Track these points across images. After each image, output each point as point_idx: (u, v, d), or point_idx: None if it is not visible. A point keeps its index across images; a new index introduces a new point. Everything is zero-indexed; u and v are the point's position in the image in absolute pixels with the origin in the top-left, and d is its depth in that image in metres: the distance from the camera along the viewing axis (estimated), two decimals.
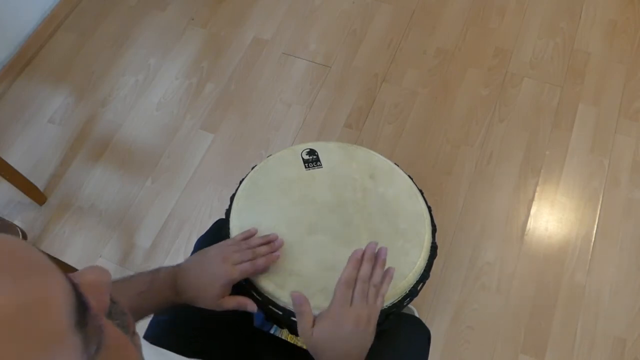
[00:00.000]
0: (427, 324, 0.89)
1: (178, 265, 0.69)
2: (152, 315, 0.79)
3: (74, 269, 1.20)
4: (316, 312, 0.67)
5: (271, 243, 0.73)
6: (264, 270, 0.71)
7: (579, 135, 1.54)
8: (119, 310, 0.34)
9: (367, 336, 0.64)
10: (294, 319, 0.70)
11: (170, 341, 0.60)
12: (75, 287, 0.29)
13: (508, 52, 1.69)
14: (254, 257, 0.70)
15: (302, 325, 0.65)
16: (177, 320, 0.79)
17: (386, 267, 0.69)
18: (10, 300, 0.25)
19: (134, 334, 0.37)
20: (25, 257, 0.27)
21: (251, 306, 0.68)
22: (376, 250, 0.69)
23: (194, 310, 0.69)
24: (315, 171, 0.83)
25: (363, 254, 0.68)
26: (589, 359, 1.27)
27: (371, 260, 0.67)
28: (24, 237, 1.00)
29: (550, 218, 1.43)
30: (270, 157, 0.85)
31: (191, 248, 0.92)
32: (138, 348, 0.36)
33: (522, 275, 1.36)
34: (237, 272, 0.67)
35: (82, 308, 0.29)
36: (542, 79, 1.64)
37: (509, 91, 1.62)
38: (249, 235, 0.74)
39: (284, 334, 0.87)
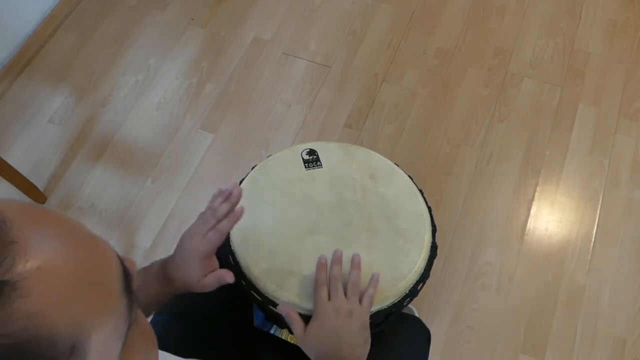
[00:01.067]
0: (427, 324, 0.89)
1: (169, 256, 0.69)
2: (151, 316, 0.79)
3: None
4: None
5: (229, 198, 0.68)
6: (229, 228, 0.66)
7: (579, 135, 1.54)
8: (138, 300, 0.36)
9: (355, 333, 0.66)
10: None
11: (169, 342, 0.60)
12: (120, 258, 0.34)
13: (508, 52, 1.69)
14: (217, 221, 0.67)
15: (296, 333, 0.67)
16: (176, 321, 0.79)
17: (376, 270, 0.72)
18: (81, 258, 0.29)
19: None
20: (86, 230, 0.32)
21: (229, 276, 0.66)
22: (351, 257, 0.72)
23: (194, 310, 0.69)
24: (315, 171, 0.83)
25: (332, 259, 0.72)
26: (589, 359, 1.27)
27: (338, 263, 0.71)
28: None
29: (550, 218, 1.43)
30: (270, 157, 0.85)
31: None
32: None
33: (522, 275, 1.36)
34: (205, 243, 0.65)
35: (126, 276, 0.33)
36: (542, 79, 1.64)
37: (509, 91, 1.62)
38: (213, 200, 0.71)
39: (284, 334, 0.87)
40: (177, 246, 0.69)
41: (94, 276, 0.30)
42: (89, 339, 0.28)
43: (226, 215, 0.66)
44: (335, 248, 0.75)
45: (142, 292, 0.65)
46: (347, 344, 0.65)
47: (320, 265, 0.71)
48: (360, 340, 0.66)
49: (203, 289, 0.66)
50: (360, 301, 0.69)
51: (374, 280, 0.71)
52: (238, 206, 0.67)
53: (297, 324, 0.68)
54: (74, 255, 0.29)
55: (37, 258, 0.27)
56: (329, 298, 0.68)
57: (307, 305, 0.70)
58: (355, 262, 0.72)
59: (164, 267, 0.68)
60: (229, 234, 0.77)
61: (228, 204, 0.67)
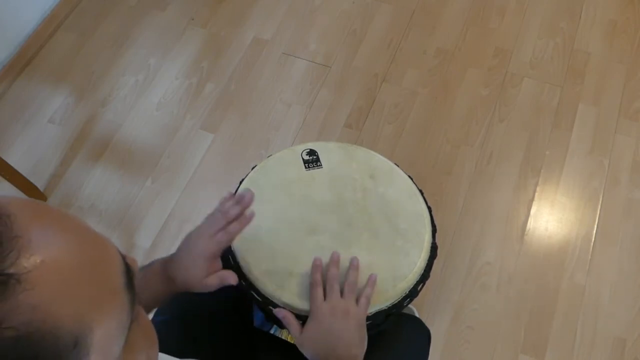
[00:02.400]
0: (427, 324, 0.89)
1: (171, 255, 0.70)
2: (151, 315, 0.79)
3: None
4: None
5: (241, 201, 0.69)
6: (239, 231, 0.68)
7: (579, 135, 1.54)
8: (139, 299, 0.37)
9: (352, 332, 0.66)
10: None
11: (169, 342, 0.60)
12: (122, 255, 0.34)
13: (508, 52, 1.69)
14: (226, 222, 0.68)
15: (293, 334, 0.68)
16: (176, 321, 0.79)
17: (376, 271, 0.72)
18: (84, 253, 0.30)
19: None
20: (88, 226, 0.33)
21: (232, 277, 0.67)
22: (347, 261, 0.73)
23: (194, 310, 0.69)
24: (315, 171, 0.83)
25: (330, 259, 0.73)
26: (589, 359, 1.27)
27: (335, 265, 0.71)
28: None
29: (550, 218, 1.43)
30: (270, 157, 0.85)
31: None
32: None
33: (522, 276, 1.36)
34: (213, 244, 0.66)
35: (128, 273, 0.33)
36: (542, 79, 1.64)
37: (509, 91, 1.62)
38: (223, 202, 0.72)
39: (284, 334, 0.87)
40: (181, 245, 0.69)
41: (96, 271, 0.30)
42: (92, 333, 0.28)
43: (236, 219, 0.68)
44: (335, 248, 0.75)
45: (143, 290, 0.65)
46: (343, 344, 0.65)
47: (316, 266, 0.71)
48: (356, 339, 0.66)
49: (204, 289, 0.66)
50: (357, 301, 0.69)
51: (371, 280, 0.71)
52: (249, 210, 0.69)
53: (293, 326, 0.68)
54: (76, 250, 0.30)
55: (40, 252, 0.27)
56: (325, 298, 0.68)
57: (307, 305, 0.70)
58: (354, 264, 0.72)
59: (165, 266, 0.68)
60: None
61: (238, 207, 0.68)
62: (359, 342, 0.66)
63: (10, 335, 0.24)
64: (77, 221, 0.32)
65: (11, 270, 0.25)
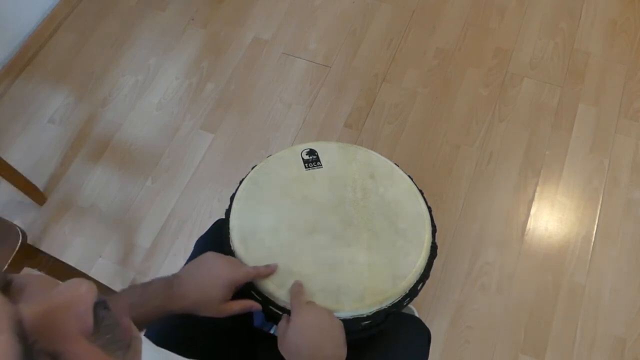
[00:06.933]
0: (427, 324, 0.89)
1: (174, 274, 0.68)
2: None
3: (74, 270, 1.20)
4: None
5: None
6: (266, 275, 0.72)
7: (579, 135, 1.54)
8: (110, 323, 0.32)
9: (339, 330, 0.65)
10: None
11: (169, 342, 0.60)
12: (21, 329, 0.26)
13: (508, 52, 1.69)
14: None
15: (280, 326, 0.67)
16: (176, 321, 0.79)
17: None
18: None
19: (128, 346, 0.34)
20: None
21: (255, 306, 0.68)
22: None
23: None
24: (315, 171, 0.83)
25: None
26: (589, 359, 1.27)
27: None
28: (24, 237, 1.00)
29: (550, 218, 1.43)
30: (270, 157, 0.85)
31: (191, 248, 0.92)
32: (137, 352, 0.35)
33: (522, 275, 1.36)
34: (240, 273, 0.67)
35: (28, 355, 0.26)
36: (542, 79, 1.64)
37: (509, 91, 1.62)
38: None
39: None
40: (197, 266, 0.68)
41: None
42: None
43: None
44: (335, 248, 0.75)
45: (138, 308, 0.63)
46: (331, 342, 0.63)
47: (296, 283, 0.72)
48: (342, 339, 0.64)
49: (221, 314, 0.66)
50: None
51: None
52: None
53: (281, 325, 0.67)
54: None
55: None
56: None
57: None
58: None
59: (169, 286, 0.66)
60: (229, 233, 0.77)
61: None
62: (343, 343, 0.64)
63: None
64: None
65: None
